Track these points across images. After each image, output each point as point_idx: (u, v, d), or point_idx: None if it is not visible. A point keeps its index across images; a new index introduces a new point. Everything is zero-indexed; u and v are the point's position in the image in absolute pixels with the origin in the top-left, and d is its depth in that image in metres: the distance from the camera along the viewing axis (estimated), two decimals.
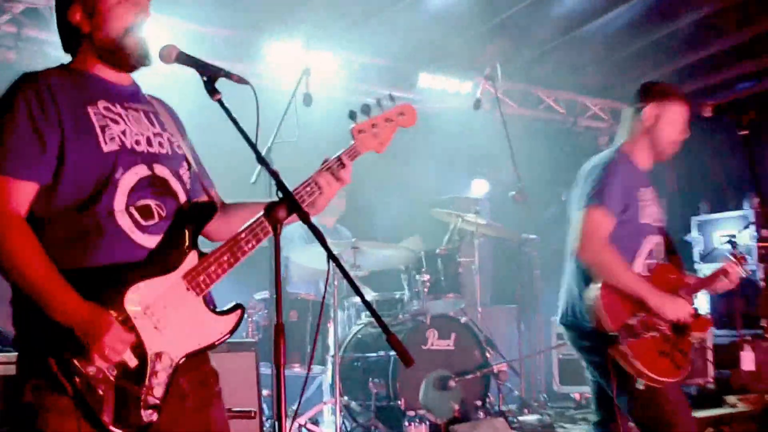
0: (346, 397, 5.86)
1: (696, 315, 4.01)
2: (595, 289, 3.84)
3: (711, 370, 7.12)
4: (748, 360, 7.42)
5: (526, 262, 7.30)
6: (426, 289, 6.04)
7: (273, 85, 6.86)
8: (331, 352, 5.76)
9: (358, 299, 6.28)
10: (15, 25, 6.22)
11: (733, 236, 8.13)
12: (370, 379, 5.77)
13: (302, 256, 6.44)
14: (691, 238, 8.82)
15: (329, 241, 5.84)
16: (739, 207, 8.72)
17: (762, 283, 7.72)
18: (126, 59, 2.60)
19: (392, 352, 5.53)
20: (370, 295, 6.54)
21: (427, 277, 6.06)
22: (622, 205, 3.93)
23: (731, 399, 6.89)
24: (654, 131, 4.06)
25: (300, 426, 5.50)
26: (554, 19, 7.59)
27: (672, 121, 4.05)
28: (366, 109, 2.78)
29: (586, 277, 3.96)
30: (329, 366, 5.82)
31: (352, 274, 6.31)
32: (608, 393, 3.90)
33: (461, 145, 7.64)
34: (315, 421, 5.81)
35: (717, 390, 7.11)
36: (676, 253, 4.20)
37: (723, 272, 4.14)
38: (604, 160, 4.04)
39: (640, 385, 3.77)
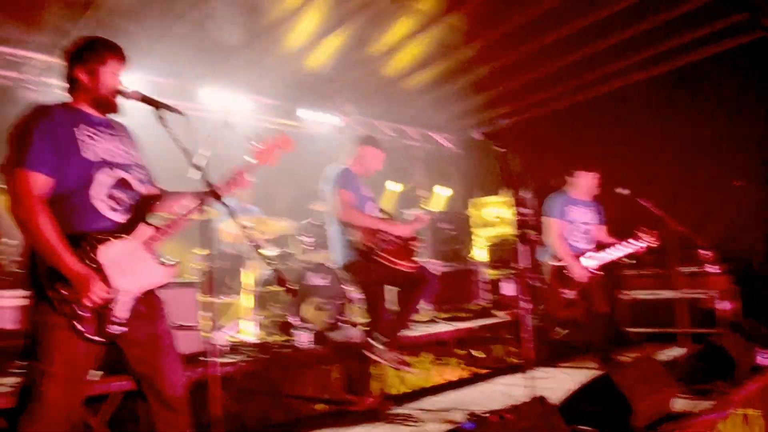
0: (260, 316, 5.84)
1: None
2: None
3: (485, 295, 7.45)
4: (508, 289, 7.79)
5: None
6: (308, 247, 6.07)
7: (206, 115, 6.76)
8: (251, 287, 5.76)
9: (270, 252, 6.28)
10: (36, 76, 6.05)
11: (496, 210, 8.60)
12: (274, 303, 5.79)
13: (229, 226, 6.32)
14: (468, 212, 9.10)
15: (244, 216, 5.70)
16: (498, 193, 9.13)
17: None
18: (107, 108, 2.66)
19: (290, 286, 5.56)
20: (275, 251, 6.40)
21: (309, 239, 6.10)
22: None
23: (498, 313, 7.22)
24: (360, 160, 4.61)
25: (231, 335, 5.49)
26: (382, 79, 7.78)
27: (371, 155, 4.63)
28: (263, 138, 2.87)
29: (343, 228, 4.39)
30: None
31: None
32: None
33: (327, 154, 7.67)
34: (240, 332, 5.75)
35: (491, 307, 7.48)
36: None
37: (418, 219, 4.62)
38: (335, 170, 4.46)
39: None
